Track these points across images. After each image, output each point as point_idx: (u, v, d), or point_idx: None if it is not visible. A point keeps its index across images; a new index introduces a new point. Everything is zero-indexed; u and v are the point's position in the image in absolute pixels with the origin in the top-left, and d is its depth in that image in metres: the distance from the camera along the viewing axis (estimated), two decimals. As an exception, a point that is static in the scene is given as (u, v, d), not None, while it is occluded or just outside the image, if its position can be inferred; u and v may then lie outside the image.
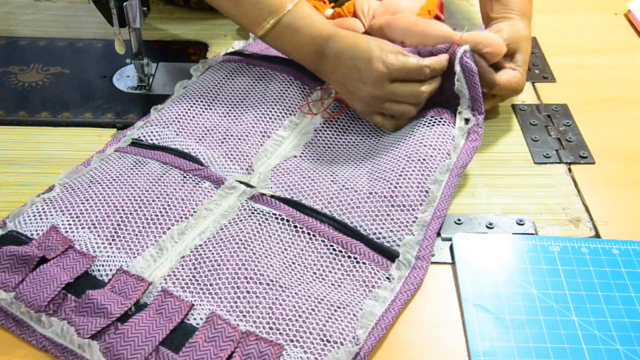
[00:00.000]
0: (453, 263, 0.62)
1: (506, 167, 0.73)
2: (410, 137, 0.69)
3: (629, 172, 0.73)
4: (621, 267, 0.61)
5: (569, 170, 0.73)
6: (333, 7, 0.89)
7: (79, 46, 0.91)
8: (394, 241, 0.61)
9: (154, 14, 0.98)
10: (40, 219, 0.62)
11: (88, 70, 0.87)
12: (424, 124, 0.70)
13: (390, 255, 0.60)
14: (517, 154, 0.75)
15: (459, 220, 0.66)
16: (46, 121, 0.78)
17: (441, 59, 0.71)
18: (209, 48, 0.92)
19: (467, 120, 0.71)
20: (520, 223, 0.66)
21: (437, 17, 0.89)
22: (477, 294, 0.58)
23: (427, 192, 0.64)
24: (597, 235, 0.65)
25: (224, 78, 0.79)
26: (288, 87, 0.77)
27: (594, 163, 0.74)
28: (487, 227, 0.65)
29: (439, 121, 0.70)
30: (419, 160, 0.66)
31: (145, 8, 0.77)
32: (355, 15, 0.86)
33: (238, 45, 0.89)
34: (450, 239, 0.64)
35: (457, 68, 0.69)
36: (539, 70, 0.89)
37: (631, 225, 0.66)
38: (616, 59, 0.92)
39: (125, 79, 0.85)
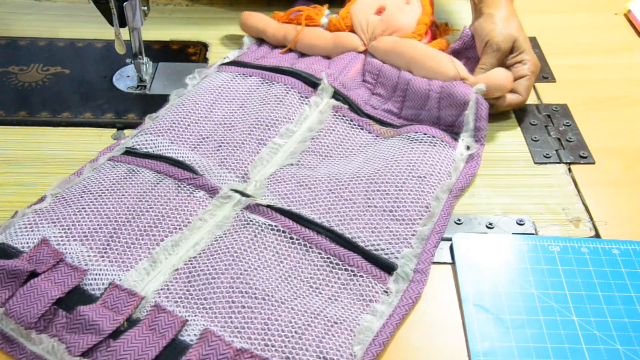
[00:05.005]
0: (453, 263, 0.62)
1: (506, 167, 0.73)
2: (410, 153, 0.69)
3: (629, 172, 0.73)
4: (621, 267, 0.61)
5: (569, 170, 0.73)
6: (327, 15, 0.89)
7: (79, 46, 0.91)
8: (392, 253, 0.60)
9: (154, 14, 0.98)
10: (32, 231, 0.60)
11: (88, 70, 0.87)
12: (425, 142, 0.71)
13: (388, 267, 0.59)
14: (517, 154, 0.75)
15: (459, 220, 0.66)
16: (46, 121, 0.78)
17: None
18: (209, 48, 0.92)
19: (467, 147, 0.72)
20: (520, 223, 0.66)
21: (433, 23, 0.89)
22: (477, 294, 0.58)
23: (427, 207, 0.64)
24: (597, 235, 0.65)
25: (220, 87, 0.78)
26: (284, 95, 0.77)
27: (594, 163, 0.74)
28: (487, 227, 0.65)
29: (441, 142, 0.71)
30: (419, 177, 0.66)
31: (145, 8, 0.77)
32: (352, 29, 0.86)
33: (233, 55, 0.88)
34: (450, 239, 0.64)
35: (473, 98, 0.72)
36: (539, 70, 0.88)
37: (631, 225, 0.66)
38: (616, 59, 0.92)
39: (125, 79, 0.85)
